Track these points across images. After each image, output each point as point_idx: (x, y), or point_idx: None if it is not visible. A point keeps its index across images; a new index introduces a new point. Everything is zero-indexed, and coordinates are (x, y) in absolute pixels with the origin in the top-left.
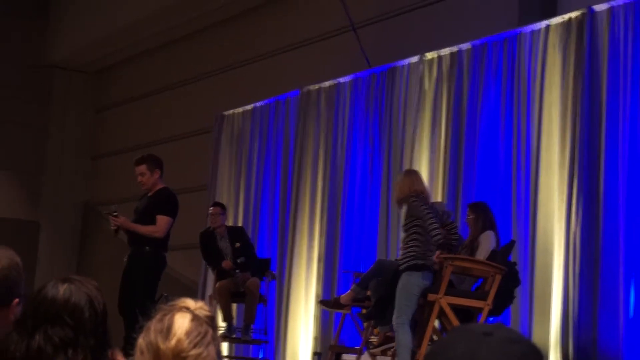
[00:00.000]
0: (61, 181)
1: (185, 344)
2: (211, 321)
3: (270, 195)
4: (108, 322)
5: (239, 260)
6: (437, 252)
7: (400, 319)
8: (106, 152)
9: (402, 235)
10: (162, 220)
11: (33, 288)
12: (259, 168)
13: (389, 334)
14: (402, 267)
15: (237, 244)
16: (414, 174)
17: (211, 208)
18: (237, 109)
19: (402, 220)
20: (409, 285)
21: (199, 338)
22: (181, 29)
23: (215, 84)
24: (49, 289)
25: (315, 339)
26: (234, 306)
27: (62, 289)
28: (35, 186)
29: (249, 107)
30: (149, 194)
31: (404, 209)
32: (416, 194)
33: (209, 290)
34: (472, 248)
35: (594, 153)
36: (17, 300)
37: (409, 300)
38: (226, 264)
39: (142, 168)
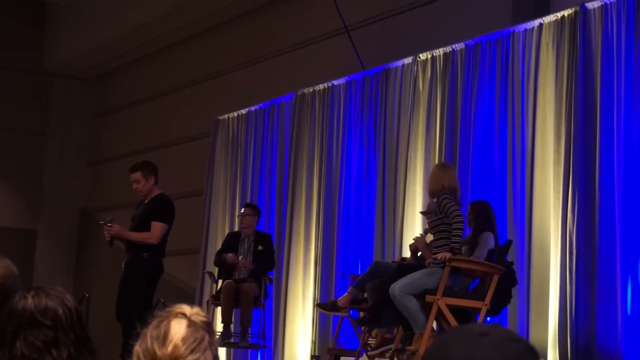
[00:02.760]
0: (59, 188)
1: (182, 349)
2: (208, 327)
3: (266, 199)
4: (83, 318)
5: (241, 275)
6: (447, 255)
7: (405, 289)
8: (104, 158)
9: (429, 229)
10: (157, 226)
11: None
12: (255, 172)
13: (387, 335)
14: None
15: (260, 247)
16: (448, 168)
17: (242, 209)
18: (232, 113)
19: (432, 216)
20: (433, 277)
21: (195, 344)
22: (176, 35)
23: (210, 88)
24: (17, 300)
25: (313, 342)
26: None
27: (30, 297)
28: (33, 193)
29: (243, 111)
30: (145, 201)
31: (434, 202)
32: (449, 191)
33: (207, 296)
34: (472, 247)
35: (589, 151)
36: None
37: (420, 285)
38: (231, 258)
39: (137, 175)
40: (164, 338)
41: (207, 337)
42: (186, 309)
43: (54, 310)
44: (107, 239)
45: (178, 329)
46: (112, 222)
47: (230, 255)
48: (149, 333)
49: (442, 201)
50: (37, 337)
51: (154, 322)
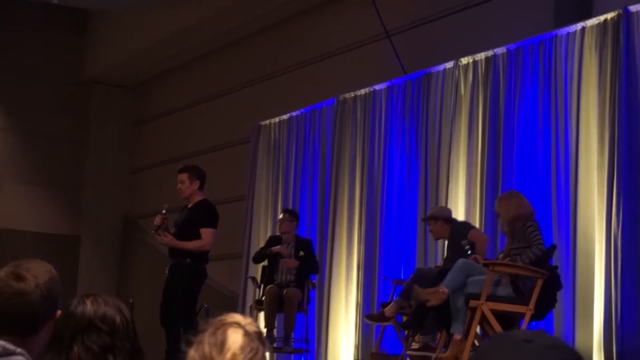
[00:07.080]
0: (101, 195)
1: (240, 358)
2: (260, 337)
3: (308, 204)
4: (135, 328)
5: (284, 277)
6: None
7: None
8: (145, 165)
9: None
10: (207, 232)
11: None
12: (297, 177)
13: (430, 343)
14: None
15: (301, 253)
16: (520, 195)
17: (280, 214)
18: (273, 119)
19: (514, 241)
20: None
21: (252, 354)
22: (216, 41)
23: (251, 94)
24: (75, 305)
25: (356, 346)
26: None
27: (89, 303)
28: (76, 201)
29: (285, 116)
30: (188, 206)
31: (516, 230)
32: (533, 218)
33: (249, 301)
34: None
35: (634, 153)
36: (59, 312)
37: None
38: (277, 248)
39: (183, 176)
40: (222, 346)
41: (261, 348)
42: (239, 318)
43: (112, 318)
44: (155, 223)
45: (235, 337)
46: (166, 212)
47: (277, 247)
48: (206, 340)
49: (529, 228)
50: (94, 342)
51: (210, 330)
